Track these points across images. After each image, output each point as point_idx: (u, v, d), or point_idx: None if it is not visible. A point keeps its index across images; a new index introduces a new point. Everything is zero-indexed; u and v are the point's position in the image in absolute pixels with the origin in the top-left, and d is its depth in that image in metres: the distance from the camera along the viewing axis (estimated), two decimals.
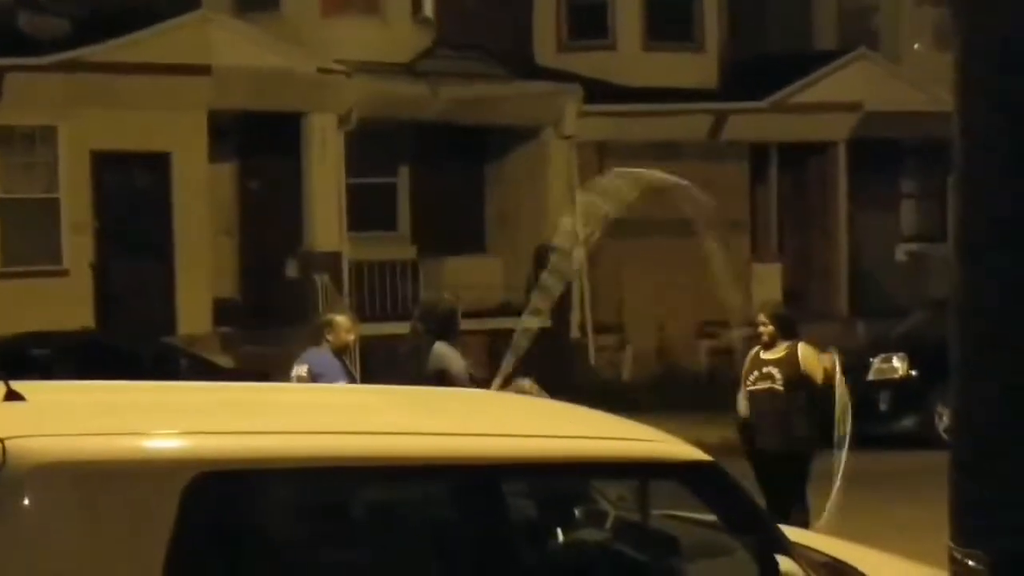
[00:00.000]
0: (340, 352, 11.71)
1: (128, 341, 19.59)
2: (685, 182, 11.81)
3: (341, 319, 11.99)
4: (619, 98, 25.25)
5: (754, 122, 26.09)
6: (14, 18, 21.23)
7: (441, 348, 10.61)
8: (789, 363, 11.27)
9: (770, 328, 11.42)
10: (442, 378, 10.08)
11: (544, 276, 11.49)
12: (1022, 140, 3.39)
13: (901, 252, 28.63)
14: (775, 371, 11.26)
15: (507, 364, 10.87)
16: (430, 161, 24.87)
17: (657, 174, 11.77)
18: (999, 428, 3.35)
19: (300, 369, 11.57)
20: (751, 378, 11.40)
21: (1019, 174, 3.38)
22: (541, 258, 24.98)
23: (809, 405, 11.30)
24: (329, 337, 11.75)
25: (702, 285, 25.14)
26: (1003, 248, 3.36)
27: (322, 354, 11.67)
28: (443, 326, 10.81)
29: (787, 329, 11.52)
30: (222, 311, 22.15)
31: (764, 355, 11.42)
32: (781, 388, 11.22)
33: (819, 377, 11.22)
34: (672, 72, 25.82)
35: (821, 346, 11.79)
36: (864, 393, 19.56)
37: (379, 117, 22.75)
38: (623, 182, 11.18)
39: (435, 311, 11.02)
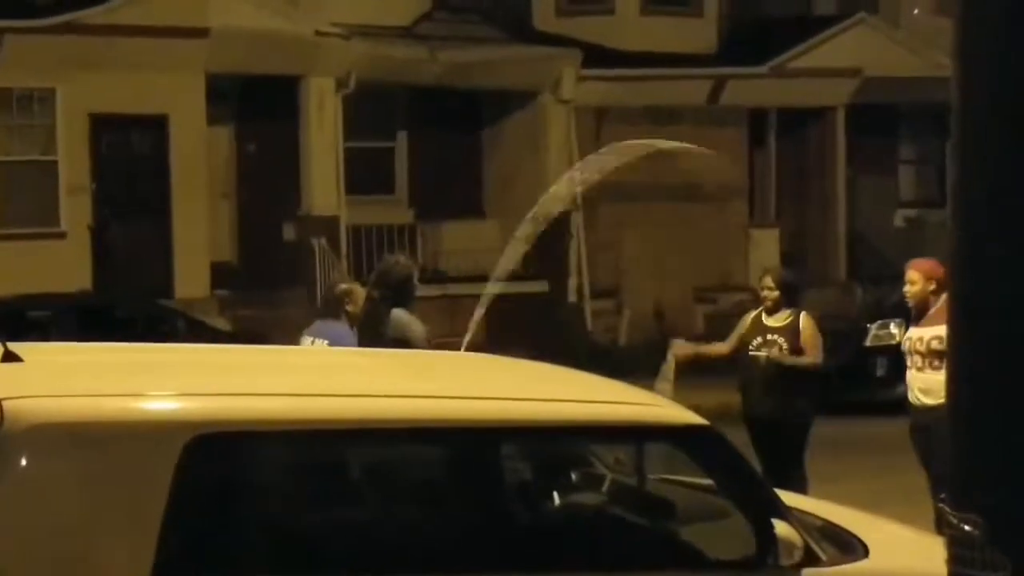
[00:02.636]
0: (354, 322, 10.79)
1: (125, 303, 19.60)
2: (688, 146, 11.71)
3: (360, 288, 11.15)
4: (617, 63, 25.19)
5: (753, 87, 26.05)
6: None
7: (400, 315, 10.18)
8: (793, 331, 11.25)
9: (775, 294, 11.39)
10: (403, 345, 9.72)
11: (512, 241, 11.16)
12: (1021, 105, 3.38)
13: (899, 217, 28.63)
14: (780, 339, 11.23)
15: (471, 331, 10.60)
16: (428, 125, 24.82)
17: (660, 142, 11.64)
18: (996, 390, 3.36)
19: (320, 344, 10.70)
20: (754, 343, 11.36)
21: (1018, 140, 3.38)
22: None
23: (809, 373, 11.30)
24: (349, 308, 10.92)
25: (699, 250, 25.29)
26: (1001, 213, 3.36)
27: (339, 328, 10.80)
28: (399, 292, 10.35)
29: (792, 296, 11.51)
30: (219, 274, 22.14)
31: (767, 321, 11.39)
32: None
33: (812, 355, 11.22)
34: (671, 37, 25.76)
35: (820, 310, 11.77)
36: (861, 359, 19.61)
37: (377, 81, 22.70)
38: (617, 156, 11.01)
39: (390, 276, 10.55)
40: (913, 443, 10.11)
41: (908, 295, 9.90)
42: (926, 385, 9.69)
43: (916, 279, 9.83)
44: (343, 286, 11.36)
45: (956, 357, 3.48)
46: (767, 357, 11.13)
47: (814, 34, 26.44)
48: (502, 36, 24.41)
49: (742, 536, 5.68)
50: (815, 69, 26.10)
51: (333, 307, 11.12)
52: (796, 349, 11.22)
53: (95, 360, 6.07)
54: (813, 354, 11.24)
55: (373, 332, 10.03)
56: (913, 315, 9.98)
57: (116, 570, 4.82)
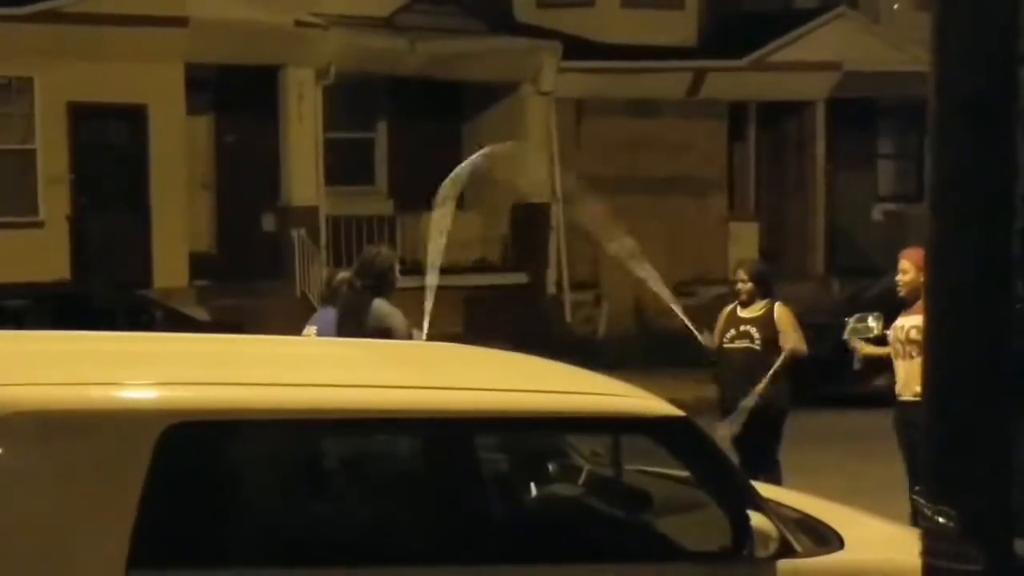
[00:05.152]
0: None
1: (103, 293, 19.54)
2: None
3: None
4: (598, 55, 25.19)
5: (733, 80, 26.06)
6: None
7: (381, 305, 10.13)
8: (767, 322, 11.27)
9: (749, 286, 11.41)
10: (384, 336, 9.69)
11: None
12: (997, 101, 3.39)
13: (878, 212, 28.68)
14: (753, 330, 11.26)
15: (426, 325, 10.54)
16: (408, 116, 24.80)
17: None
18: (971, 386, 3.36)
19: (310, 331, 10.77)
20: (728, 335, 11.40)
21: (994, 135, 3.39)
22: (518, 214, 25.08)
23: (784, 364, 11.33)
24: None
25: (678, 243, 25.30)
26: (976, 204, 3.37)
27: (330, 315, 10.73)
28: (379, 281, 10.34)
29: (765, 287, 11.53)
30: (198, 264, 22.08)
31: (741, 313, 11.42)
32: (759, 347, 11.24)
33: (793, 340, 11.23)
34: (651, 29, 25.76)
35: (798, 303, 11.78)
36: (838, 352, 19.64)
37: (357, 71, 22.66)
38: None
39: (372, 266, 10.52)
40: (896, 435, 10.11)
41: (900, 284, 9.96)
42: (905, 374, 9.72)
43: (908, 268, 9.87)
44: (342, 275, 11.30)
45: (932, 346, 3.49)
46: (747, 348, 11.17)
47: (794, 28, 26.46)
48: (482, 27, 24.38)
49: (718, 527, 5.69)
50: (795, 63, 26.12)
51: (332, 296, 11.02)
52: (769, 339, 11.23)
53: (71, 349, 6.05)
54: (795, 339, 11.24)
55: (354, 321, 10.02)
56: (906, 305, 10.02)
57: (91, 559, 4.81)
